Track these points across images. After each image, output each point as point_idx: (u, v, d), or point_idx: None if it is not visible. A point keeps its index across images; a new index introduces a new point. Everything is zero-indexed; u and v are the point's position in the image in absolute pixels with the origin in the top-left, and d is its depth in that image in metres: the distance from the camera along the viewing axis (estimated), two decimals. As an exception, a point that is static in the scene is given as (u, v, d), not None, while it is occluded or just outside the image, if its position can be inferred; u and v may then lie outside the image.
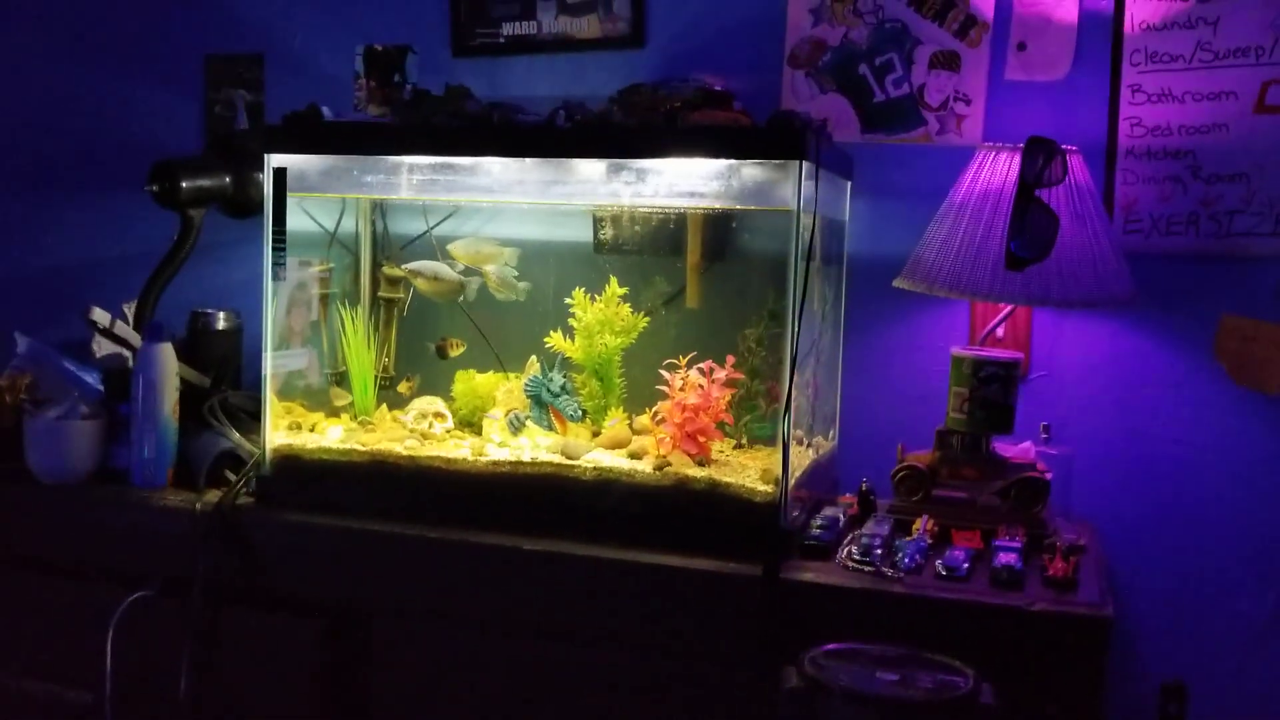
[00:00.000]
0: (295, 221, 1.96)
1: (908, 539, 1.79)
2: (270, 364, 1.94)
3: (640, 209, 2.04)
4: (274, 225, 1.91)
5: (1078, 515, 2.03)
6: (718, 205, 1.96)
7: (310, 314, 2.13)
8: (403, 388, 2.15)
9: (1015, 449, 1.98)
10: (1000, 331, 2.08)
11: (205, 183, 2.18)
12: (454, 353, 2.11)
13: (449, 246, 2.12)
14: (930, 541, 1.80)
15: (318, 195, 2.06)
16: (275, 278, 1.93)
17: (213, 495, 1.91)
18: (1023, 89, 2.10)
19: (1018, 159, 1.84)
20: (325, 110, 1.90)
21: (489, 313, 2.15)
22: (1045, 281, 1.84)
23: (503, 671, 1.78)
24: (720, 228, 2.08)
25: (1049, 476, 1.93)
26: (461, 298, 2.11)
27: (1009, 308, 2.02)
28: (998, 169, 1.91)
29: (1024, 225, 1.79)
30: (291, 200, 1.93)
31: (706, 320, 2.08)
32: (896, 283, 2.00)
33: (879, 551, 1.73)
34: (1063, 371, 2.12)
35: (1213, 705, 2.03)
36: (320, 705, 1.84)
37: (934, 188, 2.01)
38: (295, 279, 2.06)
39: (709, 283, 2.10)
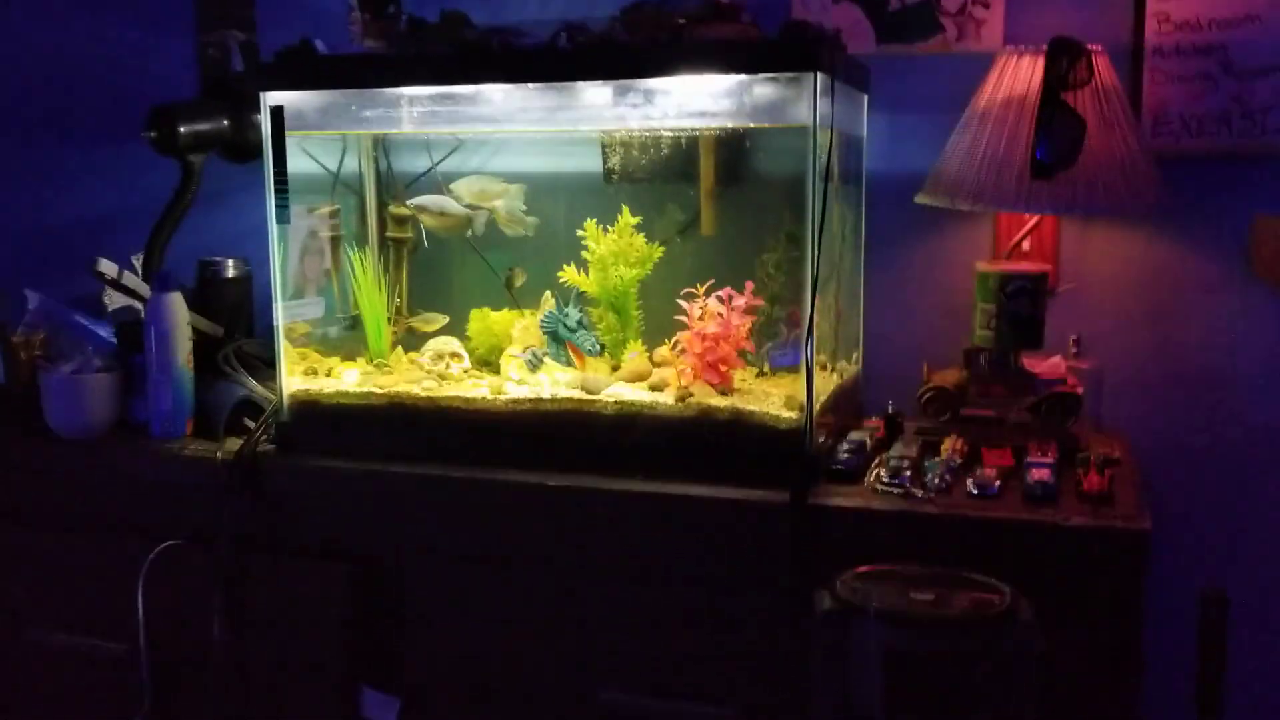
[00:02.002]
0: (297, 164, 1.91)
1: (937, 460, 1.76)
2: (282, 315, 1.91)
3: (649, 133, 1.98)
4: (275, 166, 1.86)
5: (1110, 428, 1.99)
6: (730, 125, 1.89)
7: (324, 260, 2.10)
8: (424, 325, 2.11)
9: (1045, 364, 1.94)
10: (1027, 244, 2.02)
11: (203, 127, 2.13)
12: (518, 282, 2.07)
13: (452, 186, 2.07)
14: (960, 461, 1.77)
15: (317, 133, 2.01)
16: (280, 221, 1.89)
17: (233, 444, 1.89)
18: (1043, -11, 2.02)
19: (1041, 62, 1.77)
20: (319, 44, 1.84)
21: (500, 249, 2.11)
22: (1072, 190, 1.78)
23: (532, 609, 1.77)
24: (734, 149, 2.01)
25: (1080, 390, 1.88)
26: (470, 232, 2.07)
27: (1035, 219, 1.96)
28: (1020, 74, 1.84)
29: (1049, 131, 1.73)
30: (292, 141, 1.88)
31: (723, 247, 2.03)
32: (918, 198, 1.94)
33: (908, 473, 1.69)
34: (1092, 282, 2.07)
35: (1254, 612, 2.01)
36: (351, 646, 1.83)
37: (954, 98, 1.94)
38: (304, 225, 2.03)
39: (724, 208, 2.05)
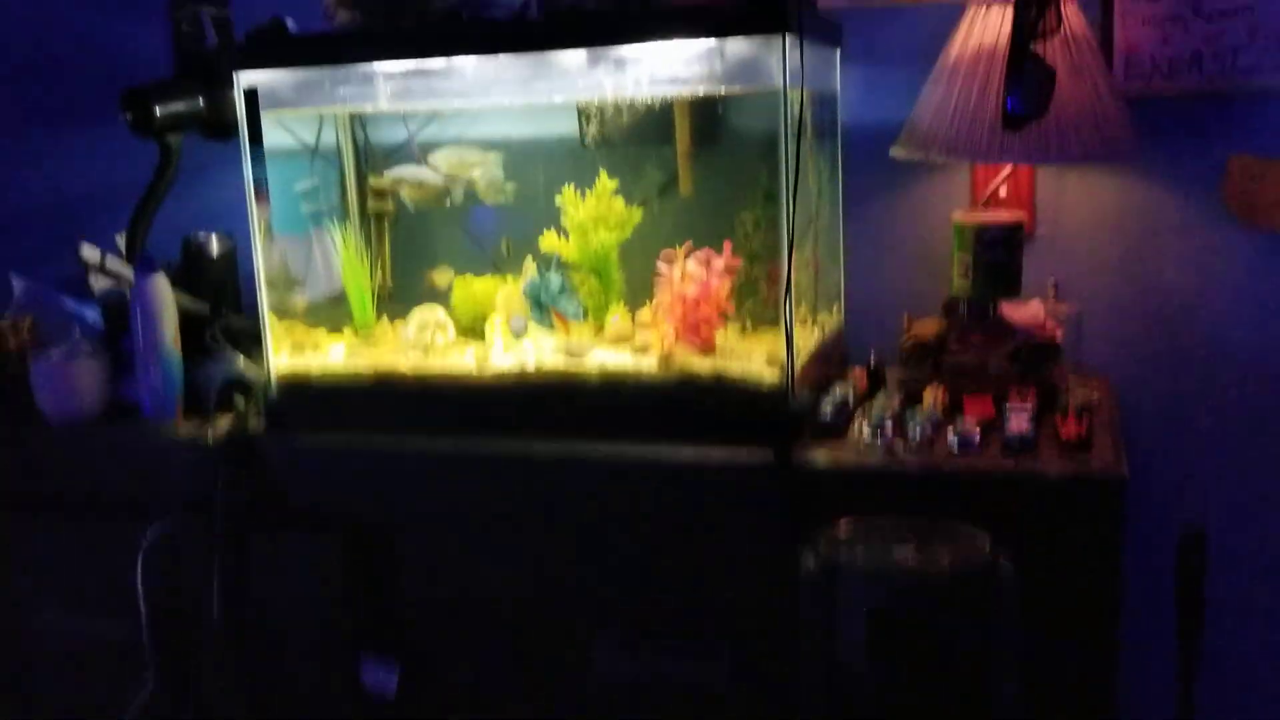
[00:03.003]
0: (274, 139, 1.92)
1: (919, 411, 1.78)
2: (266, 293, 1.92)
3: (624, 99, 1.98)
4: (251, 145, 1.87)
5: (1090, 370, 2.02)
6: (703, 88, 1.90)
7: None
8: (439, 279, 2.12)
9: (1024, 311, 1.96)
10: (1003, 192, 2.04)
11: (179, 107, 2.13)
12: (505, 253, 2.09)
13: (430, 157, 2.07)
14: (941, 412, 1.79)
15: (292, 111, 2.01)
16: (258, 199, 1.89)
17: (224, 421, 1.92)
18: (1013, -65, 2.01)
19: (1010, 12, 1.77)
20: (289, 23, 1.84)
21: (479, 216, 2.12)
22: (1045, 138, 1.79)
23: (524, 572, 1.81)
24: (708, 111, 2.02)
25: (1059, 336, 1.90)
26: (449, 201, 2.08)
27: (1010, 168, 1.97)
28: (990, 25, 1.84)
29: (1019, 81, 1.73)
30: (268, 117, 1.88)
31: (702, 207, 2.04)
32: (893, 151, 1.95)
33: (890, 427, 1.72)
34: (1068, 228, 2.08)
35: (1234, 552, 2.05)
36: (349, 616, 1.87)
37: (927, 49, 1.94)
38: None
39: (701, 169, 2.06)
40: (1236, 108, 1.97)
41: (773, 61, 1.67)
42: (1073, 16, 1.83)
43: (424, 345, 1.97)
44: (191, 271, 2.15)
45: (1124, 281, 2.07)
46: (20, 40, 2.60)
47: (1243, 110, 1.97)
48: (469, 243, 2.14)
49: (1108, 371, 2.04)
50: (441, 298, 2.07)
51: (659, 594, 1.75)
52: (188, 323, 2.02)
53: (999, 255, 1.88)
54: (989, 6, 1.85)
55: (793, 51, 1.67)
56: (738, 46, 1.77)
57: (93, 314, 2.14)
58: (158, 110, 2.09)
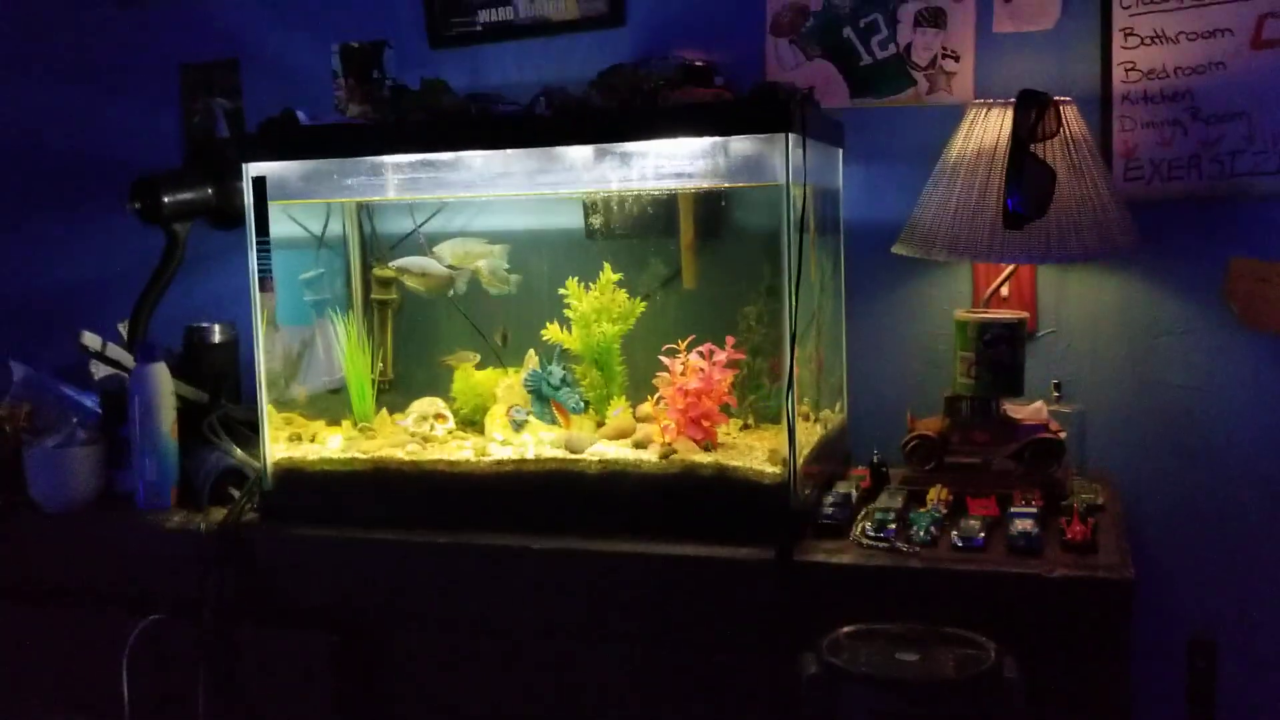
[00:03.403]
0: (281, 229, 1.93)
1: (922, 511, 1.76)
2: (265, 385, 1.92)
3: (629, 192, 2.00)
4: (258, 235, 1.88)
5: (1095, 471, 2.00)
6: (707, 183, 1.91)
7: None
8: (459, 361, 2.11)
9: (1027, 410, 1.95)
10: (1004, 291, 2.04)
11: (187, 196, 2.15)
12: (502, 343, 2.10)
13: (436, 248, 2.09)
14: (945, 512, 1.77)
15: (300, 201, 2.03)
16: (263, 288, 1.90)
17: (217, 514, 1.89)
18: (1012, 41, 2.05)
19: (1010, 114, 1.79)
20: (301, 114, 1.87)
21: (483, 308, 2.12)
22: (1045, 238, 1.80)
23: (520, 673, 1.77)
24: (712, 205, 2.04)
25: (1062, 436, 1.89)
26: (452, 292, 2.08)
27: (1011, 267, 1.98)
28: (990, 126, 1.86)
29: (1020, 182, 1.75)
30: (276, 207, 1.90)
31: (705, 300, 2.05)
32: (895, 248, 1.96)
33: (893, 526, 1.70)
34: (1071, 327, 2.08)
35: (1243, 658, 2.00)
36: (339, 717, 1.82)
37: (927, 149, 1.97)
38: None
39: (705, 262, 2.07)
40: (1235, 210, 1.98)
41: (776, 158, 1.69)
42: (1072, 119, 1.85)
43: (423, 436, 1.96)
44: (192, 360, 2.15)
45: (1127, 381, 2.06)
46: (32, 126, 2.64)
47: (1243, 212, 1.98)
48: (472, 335, 2.14)
49: (1112, 472, 2.02)
50: (406, 402, 2.06)
51: (657, 695, 1.71)
52: (186, 412, 2.02)
53: (1001, 353, 1.88)
54: (989, 108, 1.87)
55: (795, 149, 1.68)
56: (742, 143, 1.79)
57: (91, 402, 2.14)
58: (165, 200, 2.12)
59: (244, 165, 1.88)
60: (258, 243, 1.88)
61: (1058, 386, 2.01)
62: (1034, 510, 1.71)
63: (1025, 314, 1.95)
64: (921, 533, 1.68)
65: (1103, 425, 2.04)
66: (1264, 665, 2.02)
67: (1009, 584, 1.57)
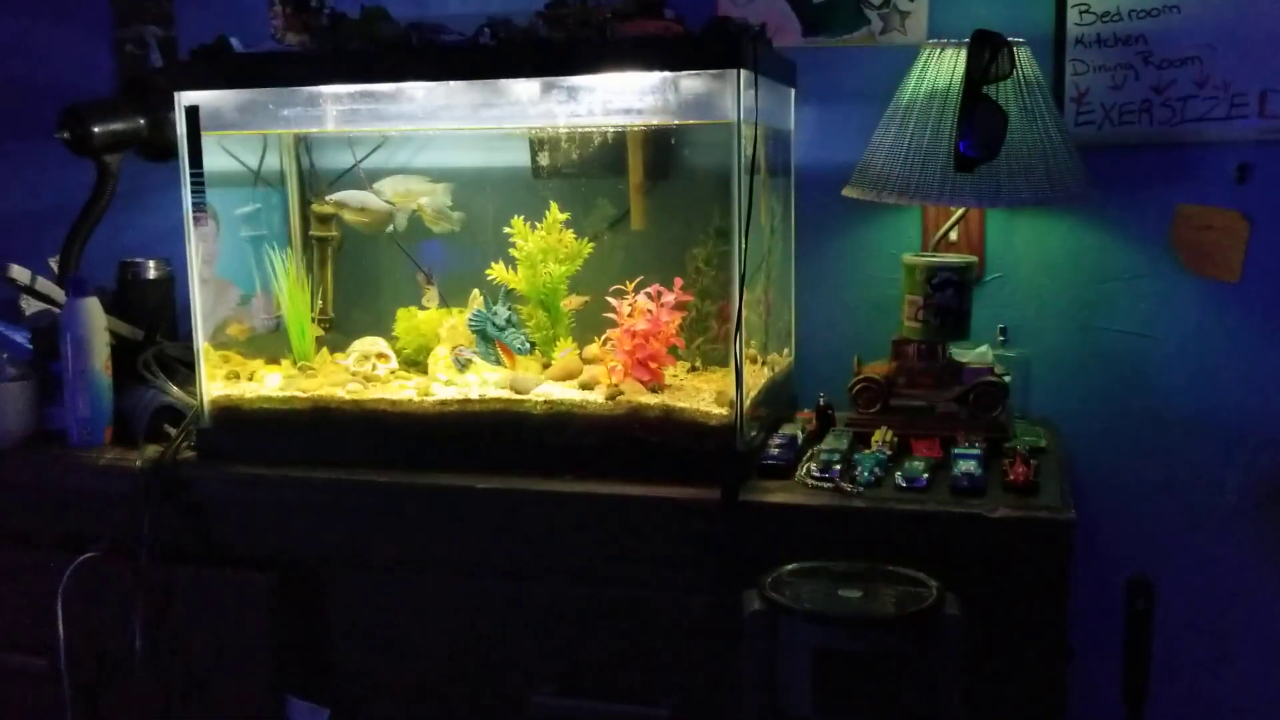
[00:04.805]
0: (216, 162, 1.87)
1: (867, 452, 1.76)
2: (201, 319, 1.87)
3: (577, 129, 1.96)
4: (191, 167, 1.82)
5: (1038, 415, 2.01)
6: (657, 121, 1.88)
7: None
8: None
9: (972, 354, 1.95)
10: (954, 235, 2.04)
11: (118, 126, 2.07)
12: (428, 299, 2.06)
13: (377, 185, 2.04)
14: (889, 453, 1.77)
15: (236, 133, 1.97)
16: (197, 223, 1.84)
17: (153, 451, 1.85)
18: (967, -19, 2.03)
19: (963, 55, 1.77)
20: (235, 42, 1.80)
21: (426, 246, 2.08)
22: (996, 182, 1.79)
23: (462, 614, 1.75)
24: (662, 145, 2.00)
25: (1007, 380, 1.90)
26: (391, 227, 2.04)
27: (961, 211, 1.97)
28: (943, 67, 1.84)
29: (972, 124, 1.73)
30: (211, 139, 1.84)
31: (653, 242, 2.02)
32: (845, 191, 1.94)
33: (838, 467, 1.69)
34: (1018, 271, 2.08)
35: (1181, 599, 2.04)
36: (277, 658, 1.80)
37: (880, 90, 1.94)
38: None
39: (653, 203, 2.04)
40: (1185, 155, 1.99)
41: (727, 96, 1.66)
42: (1025, 61, 1.84)
43: (364, 375, 1.92)
44: (127, 297, 2.09)
45: (1073, 327, 2.07)
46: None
47: (1191, 159, 1.99)
48: (414, 273, 2.10)
49: (1055, 416, 2.03)
50: (347, 342, 2.02)
51: (599, 635, 1.70)
52: (121, 349, 1.96)
53: (949, 298, 1.88)
54: (943, 49, 1.85)
55: (747, 87, 1.65)
56: (692, 81, 1.76)
57: (22, 338, 2.07)
58: (96, 129, 2.04)
59: (176, 94, 1.82)
60: (191, 175, 1.82)
61: (1003, 331, 2.01)
62: (977, 452, 1.72)
63: (974, 258, 1.95)
64: (866, 474, 1.68)
65: (1047, 370, 2.05)
66: (1200, 606, 2.06)
67: (952, 524, 1.58)
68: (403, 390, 1.87)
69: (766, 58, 1.77)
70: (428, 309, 2.04)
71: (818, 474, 1.69)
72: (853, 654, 1.36)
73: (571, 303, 1.96)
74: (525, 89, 1.85)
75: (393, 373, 1.96)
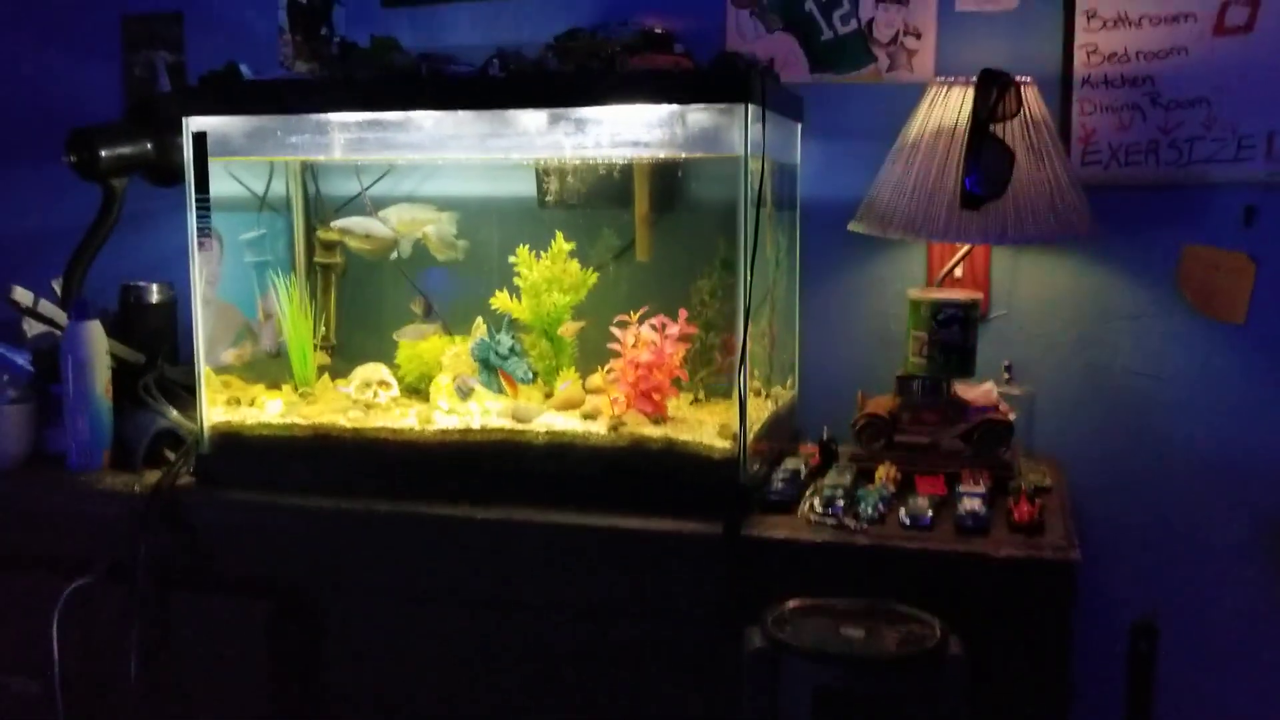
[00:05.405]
0: (222, 187, 1.87)
1: (870, 488, 1.75)
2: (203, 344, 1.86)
3: (584, 160, 1.96)
4: (197, 192, 1.82)
5: (1043, 453, 2.00)
6: (664, 153, 1.88)
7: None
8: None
9: (977, 391, 1.94)
10: (959, 271, 2.03)
11: (125, 150, 2.08)
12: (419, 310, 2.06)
13: (382, 213, 2.04)
14: (893, 490, 1.76)
15: (242, 159, 1.97)
16: (201, 247, 1.84)
17: (152, 476, 1.84)
18: (974, 20, 2.04)
19: (970, 94, 1.78)
20: (244, 68, 1.81)
21: (434, 275, 2.08)
22: (1002, 219, 1.79)
23: (459, 644, 1.73)
24: (668, 177, 2.00)
25: (1012, 418, 1.89)
26: (395, 254, 2.04)
27: (966, 247, 1.97)
28: (950, 105, 1.85)
29: (978, 162, 1.74)
30: (218, 164, 1.84)
31: (658, 273, 2.02)
32: (851, 226, 1.94)
33: (841, 503, 1.68)
34: (1024, 309, 2.08)
35: (1185, 641, 2.02)
36: (273, 686, 1.78)
37: (886, 126, 1.95)
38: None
39: (659, 234, 2.03)
40: (1192, 196, 1.99)
41: (734, 130, 1.67)
42: (1032, 101, 1.84)
43: (365, 403, 1.91)
44: (128, 320, 2.08)
45: (1078, 365, 2.07)
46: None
47: (1198, 199, 1.99)
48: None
49: (1060, 455, 2.02)
50: (349, 369, 2.01)
51: (598, 669, 1.68)
52: (122, 373, 1.96)
53: (954, 334, 1.87)
54: (950, 87, 1.86)
55: (754, 121, 1.66)
56: (700, 114, 1.77)
57: (23, 360, 2.07)
58: (103, 153, 2.04)
59: (184, 120, 1.82)
60: (197, 200, 1.82)
61: (1008, 368, 2.01)
62: (982, 490, 1.71)
63: (979, 295, 1.95)
64: (869, 510, 1.67)
65: (1052, 408, 2.04)
66: (1205, 649, 2.04)
67: (955, 563, 1.56)
68: (404, 418, 1.86)
69: (774, 93, 1.78)
70: (423, 332, 2.03)
71: (820, 510, 1.68)
72: (854, 694, 1.34)
73: (568, 329, 1.95)
74: (533, 120, 1.85)
75: (394, 400, 1.95)
